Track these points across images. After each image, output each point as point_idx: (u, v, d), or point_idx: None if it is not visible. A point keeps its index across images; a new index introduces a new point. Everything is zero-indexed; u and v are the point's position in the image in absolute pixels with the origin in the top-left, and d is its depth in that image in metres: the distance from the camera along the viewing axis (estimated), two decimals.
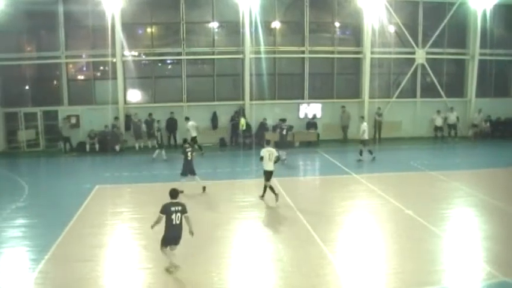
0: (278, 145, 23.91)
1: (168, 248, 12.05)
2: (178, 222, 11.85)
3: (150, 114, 29.23)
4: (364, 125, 25.71)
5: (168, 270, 12.04)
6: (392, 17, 31.18)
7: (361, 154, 25.72)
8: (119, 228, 15.89)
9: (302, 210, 17.05)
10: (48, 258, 13.10)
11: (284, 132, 25.39)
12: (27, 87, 29.92)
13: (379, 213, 17.05)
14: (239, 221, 16.35)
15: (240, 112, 29.79)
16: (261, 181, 18.60)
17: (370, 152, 25.66)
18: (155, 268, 12.41)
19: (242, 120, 29.09)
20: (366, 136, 25.55)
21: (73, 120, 29.07)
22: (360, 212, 17.25)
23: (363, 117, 27.46)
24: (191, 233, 12.02)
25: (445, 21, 31.78)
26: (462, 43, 33.02)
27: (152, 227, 12.08)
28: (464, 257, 13.08)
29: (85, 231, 15.24)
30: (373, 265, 12.64)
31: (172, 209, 11.86)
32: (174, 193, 12.22)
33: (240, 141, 29.22)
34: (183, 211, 11.92)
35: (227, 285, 11.72)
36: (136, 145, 29.30)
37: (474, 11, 31.54)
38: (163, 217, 11.85)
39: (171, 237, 11.94)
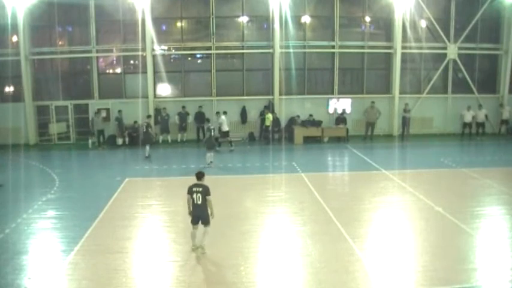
0: (207, 146, 23.78)
1: (192, 228, 12.92)
2: (199, 202, 12.66)
3: (183, 107, 29.51)
4: (223, 118, 26.90)
5: (193, 250, 12.92)
6: (423, 11, 30.74)
7: (231, 145, 27.12)
8: (148, 221, 16.02)
9: (331, 205, 16.94)
10: (78, 249, 13.25)
11: (212, 132, 23.88)
12: (58, 81, 30.26)
13: (408, 210, 16.85)
14: (267, 215, 16.32)
15: (269, 107, 29.72)
16: (291, 175, 20.72)
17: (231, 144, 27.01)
18: (184, 261, 12.48)
19: (269, 115, 28.92)
20: (226, 128, 27.11)
21: (103, 114, 29.37)
22: (390, 209, 17.04)
23: (225, 112, 27.84)
24: (211, 215, 12.84)
25: (478, 15, 31.18)
26: (495, 38, 32.35)
27: (189, 210, 12.95)
28: (495, 256, 12.81)
29: (115, 224, 15.40)
30: (403, 262, 12.50)
31: (194, 189, 12.72)
32: (198, 175, 13.07)
33: (269, 136, 29.09)
34: (204, 192, 12.65)
35: (255, 280, 11.67)
36: (160, 138, 29.67)
37: (509, 5, 30.91)
38: (190, 197, 12.76)
39: (193, 216, 12.83)
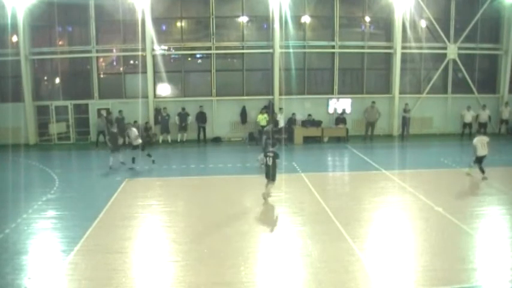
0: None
1: (267, 181, 17.35)
2: (270, 163, 17.11)
3: (183, 109, 29.51)
4: (134, 130, 23.78)
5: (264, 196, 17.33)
6: (423, 11, 30.75)
7: (133, 162, 23.50)
8: (148, 221, 16.01)
9: (331, 205, 16.93)
10: (78, 249, 13.24)
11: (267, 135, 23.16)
12: (58, 81, 30.33)
13: (408, 210, 16.83)
14: (267, 215, 16.31)
15: (268, 107, 29.71)
16: (291, 175, 20.03)
17: (149, 155, 23.68)
18: (184, 261, 12.46)
19: (260, 116, 28.97)
20: (139, 141, 23.59)
21: (103, 114, 29.33)
22: (390, 209, 17.02)
23: (135, 122, 26.12)
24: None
25: (478, 15, 31.20)
26: (495, 38, 32.37)
27: (261, 163, 18.11)
28: (495, 256, 12.79)
29: (115, 224, 15.39)
30: (403, 262, 12.47)
31: (268, 154, 17.33)
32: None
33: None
34: (275, 157, 17.15)
35: (254, 280, 11.64)
36: (160, 138, 29.78)
37: (509, 5, 30.92)
38: (263, 158, 17.58)
39: (266, 173, 17.35)
